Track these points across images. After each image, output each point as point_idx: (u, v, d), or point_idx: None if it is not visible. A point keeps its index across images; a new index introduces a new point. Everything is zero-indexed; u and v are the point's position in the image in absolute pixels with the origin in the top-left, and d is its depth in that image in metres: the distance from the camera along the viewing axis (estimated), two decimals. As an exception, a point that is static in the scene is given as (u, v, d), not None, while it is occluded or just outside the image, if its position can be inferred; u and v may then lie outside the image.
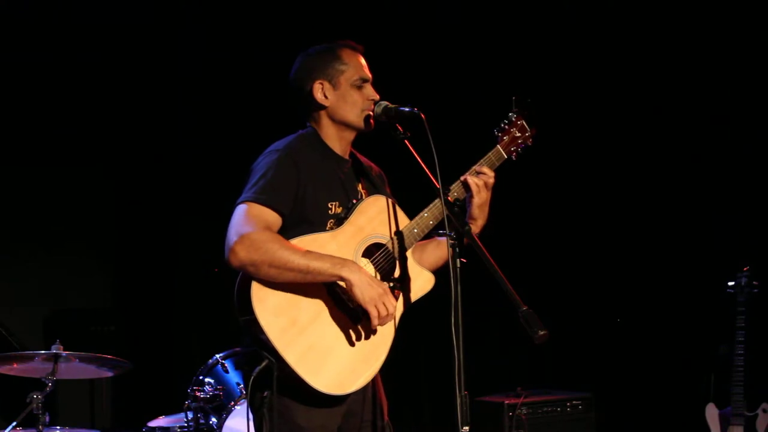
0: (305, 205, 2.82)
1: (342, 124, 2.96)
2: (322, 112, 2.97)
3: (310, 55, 3.01)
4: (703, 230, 5.72)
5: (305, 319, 2.71)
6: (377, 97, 2.97)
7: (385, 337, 2.82)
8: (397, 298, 2.84)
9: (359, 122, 2.95)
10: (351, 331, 2.77)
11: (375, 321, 2.72)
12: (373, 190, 3.03)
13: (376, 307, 2.70)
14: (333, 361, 2.72)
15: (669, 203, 5.89)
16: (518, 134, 3.11)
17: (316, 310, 2.74)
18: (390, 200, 2.94)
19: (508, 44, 5.94)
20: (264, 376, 2.70)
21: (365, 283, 2.69)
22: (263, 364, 2.68)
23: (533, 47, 5.96)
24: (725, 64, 5.61)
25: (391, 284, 2.84)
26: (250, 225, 2.69)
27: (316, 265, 2.68)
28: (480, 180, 2.96)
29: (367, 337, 2.79)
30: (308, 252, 2.70)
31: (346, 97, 2.94)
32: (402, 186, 3.15)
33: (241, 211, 2.74)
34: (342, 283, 2.72)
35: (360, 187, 3.02)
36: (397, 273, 2.89)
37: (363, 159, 3.13)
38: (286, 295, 2.70)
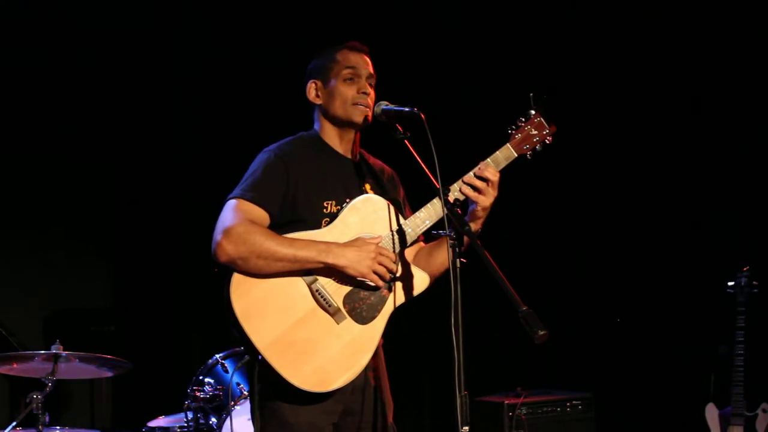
0: (297, 205, 2.82)
1: (334, 120, 2.96)
2: (319, 111, 3.00)
3: (313, 58, 3.04)
4: (703, 230, 5.72)
5: (285, 317, 2.70)
6: (369, 90, 2.95)
7: (371, 336, 2.81)
8: (390, 296, 2.84)
9: (348, 116, 2.93)
10: (334, 329, 2.76)
11: (381, 283, 2.78)
12: (379, 191, 3.00)
13: (375, 274, 2.75)
14: (314, 359, 2.71)
15: (669, 203, 5.89)
16: (534, 132, 2.97)
17: (296, 308, 2.73)
18: (386, 200, 2.91)
19: (509, 44, 5.94)
20: (251, 373, 2.73)
21: (354, 261, 2.73)
22: (244, 360, 2.71)
23: (533, 47, 5.96)
24: (725, 64, 5.60)
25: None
26: (235, 220, 2.71)
27: (303, 253, 2.70)
28: (482, 183, 2.86)
29: (351, 336, 2.77)
30: (294, 240, 2.72)
31: (335, 93, 2.94)
32: (402, 186, 3.14)
33: (228, 207, 2.76)
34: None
35: (367, 187, 2.99)
36: None
37: (374, 161, 3.11)
38: (265, 293, 2.70)
